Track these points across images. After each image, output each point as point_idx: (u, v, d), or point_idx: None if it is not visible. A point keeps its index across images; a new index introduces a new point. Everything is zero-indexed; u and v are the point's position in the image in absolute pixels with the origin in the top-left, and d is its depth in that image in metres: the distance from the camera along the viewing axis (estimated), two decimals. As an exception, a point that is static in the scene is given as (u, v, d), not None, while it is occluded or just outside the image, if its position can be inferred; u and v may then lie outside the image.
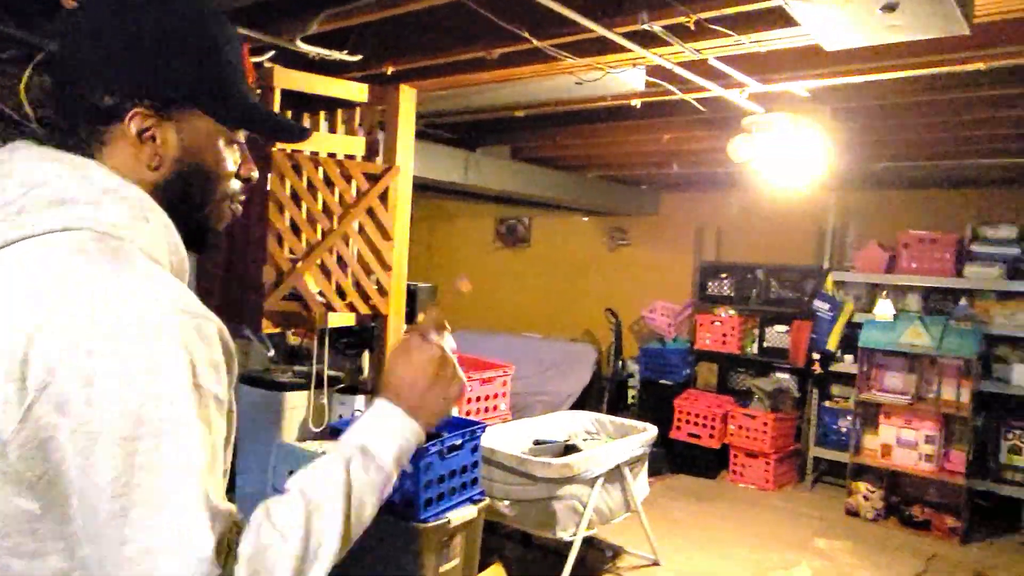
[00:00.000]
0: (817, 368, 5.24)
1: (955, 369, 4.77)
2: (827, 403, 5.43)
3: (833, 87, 2.97)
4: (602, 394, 6.34)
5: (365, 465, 0.84)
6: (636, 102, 3.23)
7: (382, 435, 0.87)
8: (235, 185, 0.92)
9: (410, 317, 3.45)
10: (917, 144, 4.10)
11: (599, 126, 3.99)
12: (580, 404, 6.33)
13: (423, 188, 4.69)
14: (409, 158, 3.08)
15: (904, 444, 4.80)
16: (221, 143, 0.88)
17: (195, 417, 0.72)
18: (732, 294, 6.07)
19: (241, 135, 0.91)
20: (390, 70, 2.82)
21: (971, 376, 4.66)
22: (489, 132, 4.61)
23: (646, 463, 3.90)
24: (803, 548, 4.28)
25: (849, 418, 5.20)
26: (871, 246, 5.26)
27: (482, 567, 3.16)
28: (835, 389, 5.44)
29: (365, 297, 2.89)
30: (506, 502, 3.29)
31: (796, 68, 2.73)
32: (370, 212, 2.87)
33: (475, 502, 2.69)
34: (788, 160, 3.42)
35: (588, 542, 3.52)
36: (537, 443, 3.85)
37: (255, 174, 0.94)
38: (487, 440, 3.38)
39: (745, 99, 3.05)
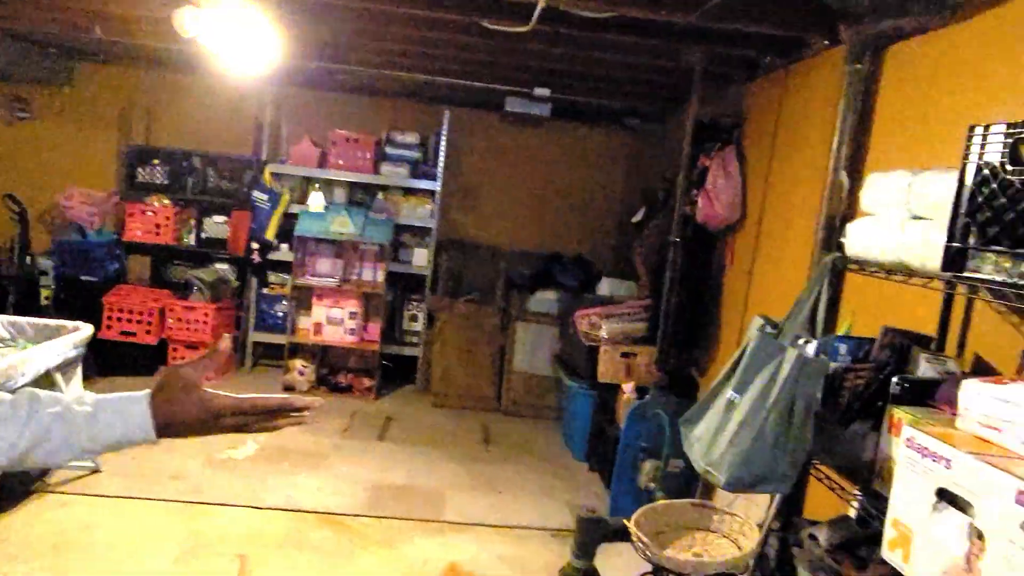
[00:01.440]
0: (256, 257, 5.43)
1: (373, 254, 5.55)
2: (265, 290, 5.70)
3: (284, -25, 3.01)
4: (5, 297, 5.31)
5: (86, 422, 0.98)
6: (58, -61, 2.69)
7: (117, 416, 0.99)
8: None
9: None
10: (346, 49, 4.46)
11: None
12: (-26, 310, 5.19)
13: None
14: None
15: (332, 321, 5.42)
16: None
17: None
18: (166, 182, 5.71)
19: None
20: None
21: (385, 259, 5.50)
22: None
23: (80, 367, 3.50)
24: (248, 426, 4.51)
25: (285, 303, 5.58)
26: (304, 141, 5.59)
27: None
28: (273, 276, 5.73)
29: None
30: None
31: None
32: None
33: None
34: (236, 43, 3.35)
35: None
36: (-75, 358, 3.06)
37: None
38: None
39: (195, -33, 2.85)
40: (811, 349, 1.88)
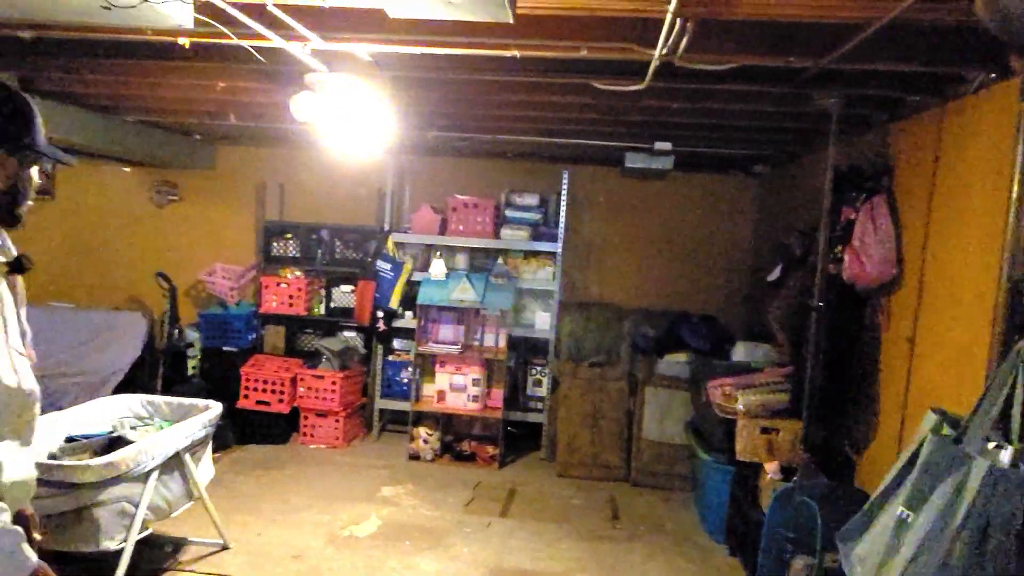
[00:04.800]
0: (381, 326, 5.48)
1: (494, 319, 5.46)
2: (390, 357, 5.73)
3: (393, 54, 3.01)
4: (156, 367, 5.66)
5: None
6: (184, 41, 2.82)
7: None
8: (31, 193, 1.58)
9: None
10: (461, 117, 4.46)
11: (138, 63, 3.41)
12: (130, 381, 5.57)
13: None
14: None
15: (456, 388, 5.35)
16: (32, 171, 1.57)
17: None
18: (298, 255, 5.95)
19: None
20: None
21: (506, 324, 5.39)
22: (-17, 53, 3.59)
23: (210, 444, 3.58)
24: (371, 500, 4.47)
25: (410, 369, 5.58)
26: (425, 209, 5.65)
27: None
28: (397, 344, 5.77)
29: None
30: (28, 520, 2.66)
31: (358, 30, 2.68)
32: None
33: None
34: (350, 122, 3.39)
35: (143, 540, 3.10)
36: (70, 440, 3.22)
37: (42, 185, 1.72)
38: (-4, 449, 2.69)
39: (308, 55, 2.90)
40: (1006, 457, 1.52)
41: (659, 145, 4.73)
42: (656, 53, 2.58)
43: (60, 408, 4.70)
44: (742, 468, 3.81)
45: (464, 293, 5.29)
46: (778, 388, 3.61)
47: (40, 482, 2.67)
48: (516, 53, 2.72)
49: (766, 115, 3.74)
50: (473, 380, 5.34)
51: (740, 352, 4.27)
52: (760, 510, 3.54)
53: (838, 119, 3.03)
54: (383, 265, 5.46)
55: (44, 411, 3.55)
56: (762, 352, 4.18)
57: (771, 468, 3.47)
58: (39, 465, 2.72)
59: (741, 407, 3.59)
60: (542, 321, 5.54)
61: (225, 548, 3.65)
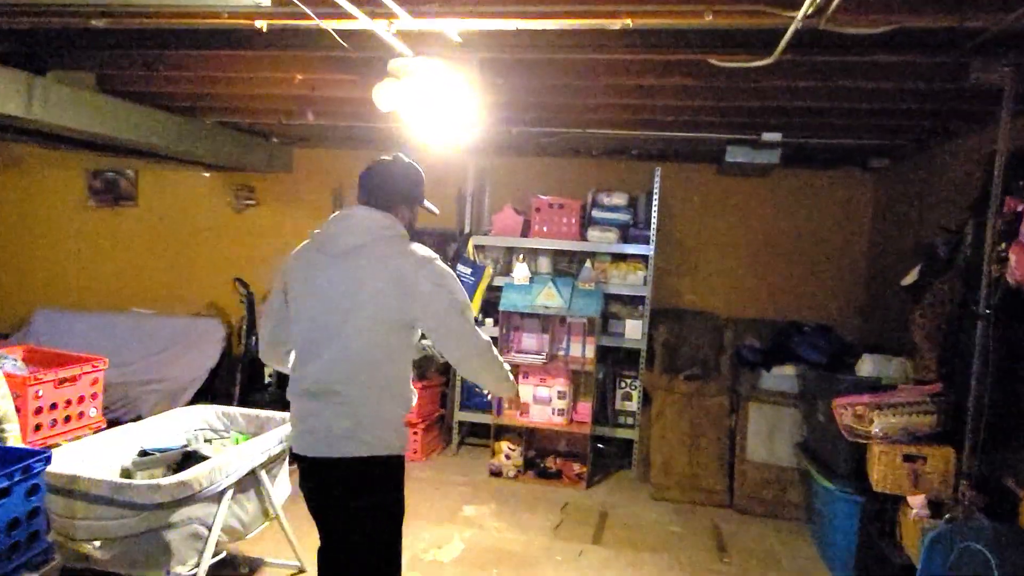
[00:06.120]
0: (461, 333, 5.18)
1: (581, 327, 5.10)
2: (470, 367, 5.43)
3: (484, 33, 2.72)
4: (234, 375, 5.55)
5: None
6: (261, 24, 2.60)
7: None
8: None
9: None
10: (549, 109, 4.13)
11: (215, 55, 3.22)
12: (208, 388, 5.48)
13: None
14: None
15: (540, 401, 5.01)
16: (415, 215, 2.44)
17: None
18: (375, 259, 5.73)
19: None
20: None
21: (594, 333, 5.02)
22: (64, 49, 3.48)
23: (287, 459, 3.35)
24: (453, 520, 4.17)
25: (491, 380, 5.26)
26: (507, 210, 5.34)
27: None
28: (478, 353, 5.46)
29: None
30: (96, 543, 2.46)
31: (448, 2, 2.40)
32: None
33: (35, 567, 1.87)
34: (436, 112, 3.12)
35: (216, 562, 2.88)
36: (144, 454, 3.03)
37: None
38: (65, 465, 2.51)
39: (392, 35, 2.64)
40: None
41: (767, 136, 4.30)
42: (799, 15, 2.19)
43: (140, 415, 4.63)
44: (875, 500, 3.33)
45: (549, 299, 4.95)
46: (922, 409, 3.12)
47: (108, 502, 2.47)
48: (628, 22, 2.38)
49: (906, 94, 3.27)
50: (559, 392, 4.99)
51: (867, 366, 3.78)
52: (902, 550, 3.06)
53: (1013, 95, 2.55)
54: (463, 269, 5.17)
55: (122, 420, 3.39)
56: (895, 366, 3.68)
57: (916, 502, 2.99)
58: (105, 485, 2.53)
59: (878, 430, 3.12)
60: (632, 330, 5.13)
61: (301, 571, 3.40)
